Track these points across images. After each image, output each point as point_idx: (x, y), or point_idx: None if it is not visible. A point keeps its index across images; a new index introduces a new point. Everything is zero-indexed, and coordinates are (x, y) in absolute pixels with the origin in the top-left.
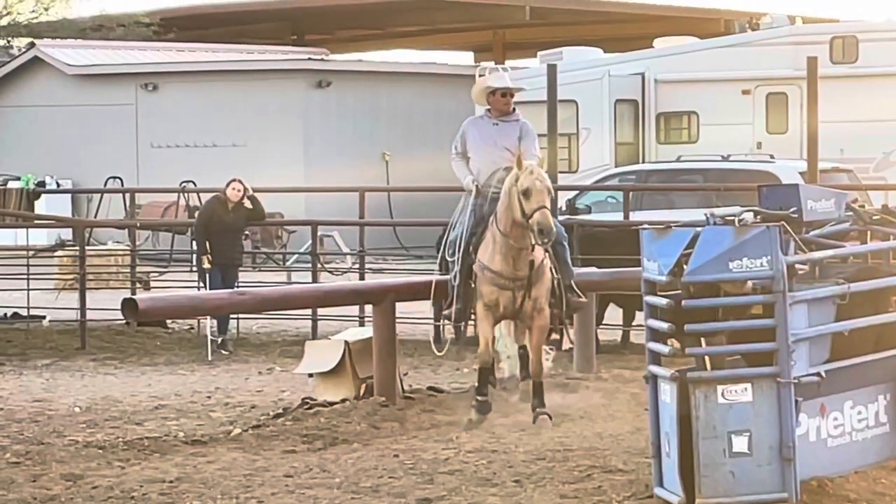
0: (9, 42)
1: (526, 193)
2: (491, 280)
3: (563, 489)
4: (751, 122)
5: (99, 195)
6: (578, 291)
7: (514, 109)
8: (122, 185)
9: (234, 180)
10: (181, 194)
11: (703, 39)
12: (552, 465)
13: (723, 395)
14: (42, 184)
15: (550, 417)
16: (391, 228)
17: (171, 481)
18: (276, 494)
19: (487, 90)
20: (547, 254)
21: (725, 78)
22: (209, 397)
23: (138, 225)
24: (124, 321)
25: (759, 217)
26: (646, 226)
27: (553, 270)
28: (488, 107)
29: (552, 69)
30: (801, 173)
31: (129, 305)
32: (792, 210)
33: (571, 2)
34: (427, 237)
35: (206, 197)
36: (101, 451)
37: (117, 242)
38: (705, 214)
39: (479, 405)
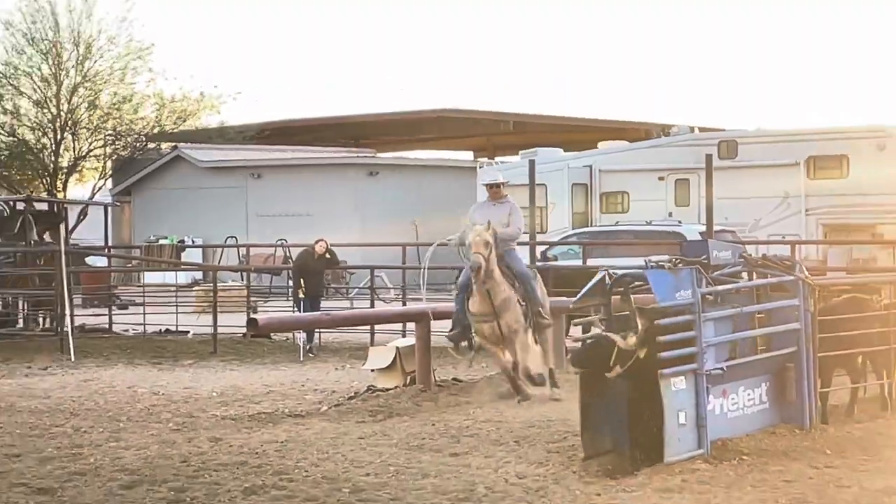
0: (158, 146)
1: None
2: (473, 319)
3: (548, 447)
4: (664, 198)
5: (221, 249)
6: (545, 315)
7: (505, 195)
8: (237, 242)
9: (321, 239)
10: (277, 248)
11: (631, 142)
12: (540, 431)
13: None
14: (182, 241)
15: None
16: (419, 271)
17: (282, 442)
18: (353, 451)
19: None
20: (513, 291)
21: (647, 169)
22: (303, 385)
23: (253, 269)
24: (244, 334)
25: (681, 263)
26: (601, 268)
27: (520, 302)
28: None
29: (532, 163)
30: (700, 233)
31: (252, 323)
32: (703, 257)
33: (542, 118)
34: (444, 278)
35: (295, 250)
36: (233, 421)
37: (234, 281)
38: (645, 261)
39: (523, 396)
